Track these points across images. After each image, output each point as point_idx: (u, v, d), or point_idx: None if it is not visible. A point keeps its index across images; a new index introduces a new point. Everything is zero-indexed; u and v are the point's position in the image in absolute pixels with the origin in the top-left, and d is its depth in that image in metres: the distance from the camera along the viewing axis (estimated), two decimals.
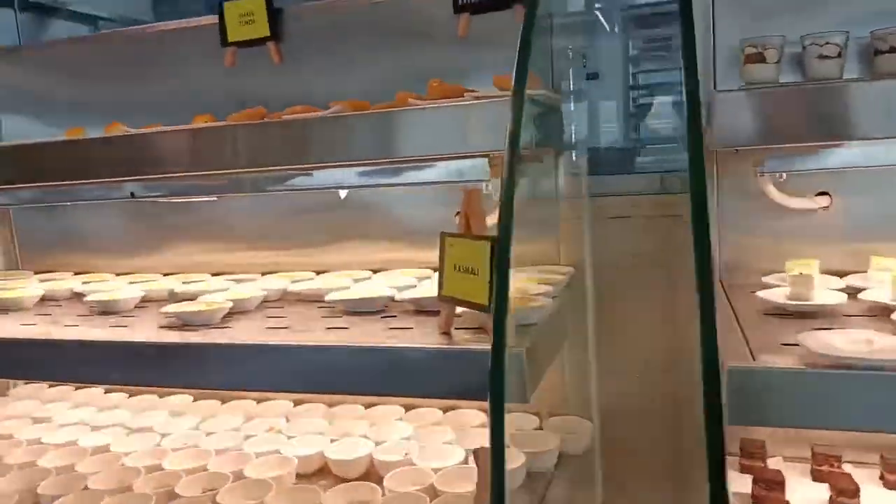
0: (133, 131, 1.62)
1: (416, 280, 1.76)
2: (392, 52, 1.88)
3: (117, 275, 2.20)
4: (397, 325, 1.42)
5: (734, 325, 1.32)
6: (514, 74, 1.10)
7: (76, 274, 2.28)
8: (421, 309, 1.52)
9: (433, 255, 1.92)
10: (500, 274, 1.06)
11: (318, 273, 1.99)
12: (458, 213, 1.83)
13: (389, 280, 1.79)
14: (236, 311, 1.61)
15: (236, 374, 1.30)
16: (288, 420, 2.02)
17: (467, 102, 1.25)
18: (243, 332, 1.44)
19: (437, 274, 1.85)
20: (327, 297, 1.60)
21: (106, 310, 1.77)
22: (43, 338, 1.51)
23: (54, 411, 2.22)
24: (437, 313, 1.47)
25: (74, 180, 1.63)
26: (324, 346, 1.26)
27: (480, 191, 1.23)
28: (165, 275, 2.15)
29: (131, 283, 2.03)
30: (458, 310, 1.30)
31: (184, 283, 1.94)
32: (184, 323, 1.53)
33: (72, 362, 1.46)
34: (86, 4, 3.33)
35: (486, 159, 1.56)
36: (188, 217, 2.15)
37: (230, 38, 1.92)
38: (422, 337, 1.31)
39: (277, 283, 1.85)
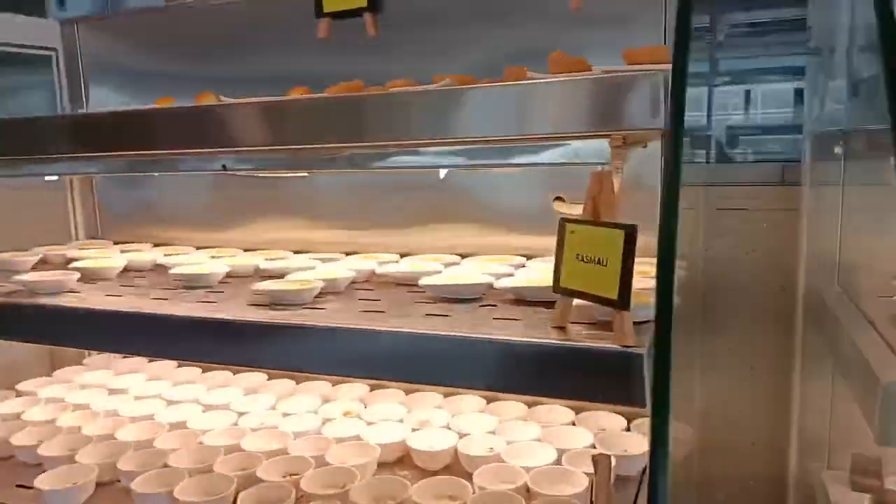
0: (226, 100, 1.56)
1: (511, 267, 1.67)
2: (495, 28, 1.77)
3: (197, 248, 2.18)
4: (500, 315, 1.33)
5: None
6: (675, 41, 0.99)
7: (155, 246, 2.26)
8: (521, 298, 1.43)
9: (528, 241, 1.86)
10: (665, 270, 0.96)
11: (401, 255, 1.92)
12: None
13: (480, 266, 1.70)
14: (327, 292, 1.54)
15: (340, 360, 1.24)
16: (365, 405, 1.97)
17: (599, 76, 1.14)
18: (338, 315, 1.37)
19: (531, 261, 1.78)
20: (422, 282, 1.52)
21: (191, 284, 1.73)
22: (134, 311, 1.47)
23: (129, 383, 2.22)
24: (538, 304, 1.38)
25: (163, 150, 1.59)
26: (435, 335, 1.18)
27: (610, 173, 1.12)
28: (245, 250, 2.11)
29: (213, 257, 1.99)
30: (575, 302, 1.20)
31: (267, 259, 1.89)
32: (274, 301, 1.47)
33: (162, 337, 1.42)
34: None
35: (608, 140, 1.47)
36: (272, 192, 2.11)
37: (325, 9, 1.85)
38: (532, 330, 1.22)
39: (364, 263, 1.78)
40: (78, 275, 1.74)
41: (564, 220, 1.17)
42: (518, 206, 1.80)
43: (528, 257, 1.79)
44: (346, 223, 2.05)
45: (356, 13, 1.84)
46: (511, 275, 1.58)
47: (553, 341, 1.11)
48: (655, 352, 0.96)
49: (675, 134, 0.96)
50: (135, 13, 2.16)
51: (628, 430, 1.79)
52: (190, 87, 1.97)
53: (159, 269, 1.95)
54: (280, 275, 1.67)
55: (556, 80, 1.15)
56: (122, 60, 2.25)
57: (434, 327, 1.24)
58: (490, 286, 1.49)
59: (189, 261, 1.93)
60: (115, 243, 2.32)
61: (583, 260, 1.13)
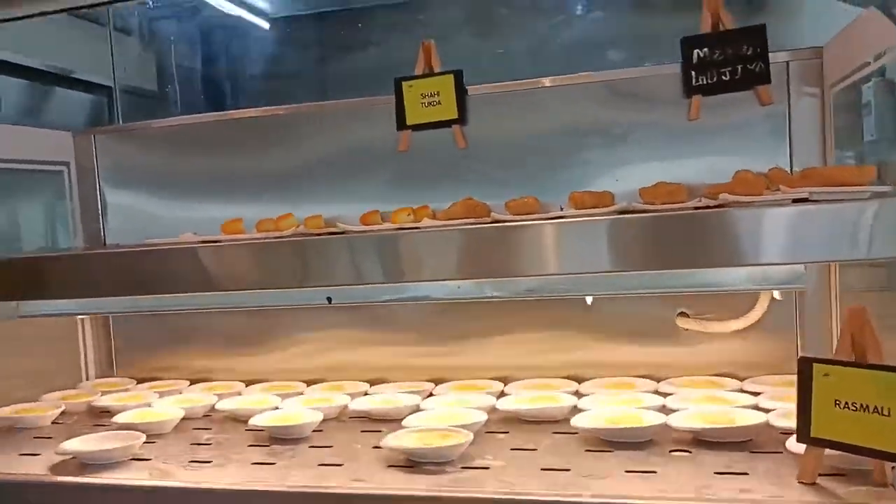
0: (343, 227, 1.36)
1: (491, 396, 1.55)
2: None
3: (246, 384, 1.90)
4: (710, 466, 1.17)
5: None
6: None
7: (191, 382, 1.96)
8: (702, 439, 1.27)
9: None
10: None
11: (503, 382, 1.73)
12: (681, 312, 1.65)
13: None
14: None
15: None
16: None
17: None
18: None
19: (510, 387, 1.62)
20: (574, 422, 1.34)
21: (280, 436, 1.47)
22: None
23: None
24: (718, 446, 1.23)
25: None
26: None
27: (866, 309, 1.01)
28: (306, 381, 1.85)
29: (279, 394, 1.73)
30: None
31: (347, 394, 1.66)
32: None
33: None
34: None
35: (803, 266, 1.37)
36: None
37: (409, 121, 1.71)
38: (771, 487, 1.06)
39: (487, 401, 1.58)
40: (142, 436, 1.44)
41: (810, 360, 1.04)
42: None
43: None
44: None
45: (443, 125, 1.71)
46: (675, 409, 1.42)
47: None
48: None
49: None
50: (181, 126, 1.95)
51: None
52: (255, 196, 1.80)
53: (217, 413, 1.68)
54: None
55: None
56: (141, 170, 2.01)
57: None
58: (666, 425, 1.32)
59: (257, 403, 1.66)
60: (139, 381, 2.01)
61: (847, 407, 1.00)
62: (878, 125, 1.36)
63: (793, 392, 1.41)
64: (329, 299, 1.62)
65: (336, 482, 1.21)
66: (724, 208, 1.10)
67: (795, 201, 1.10)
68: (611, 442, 1.31)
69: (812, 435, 1.03)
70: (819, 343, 1.53)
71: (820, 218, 1.04)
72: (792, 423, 1.23)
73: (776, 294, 1.47)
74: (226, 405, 1.68)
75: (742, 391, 1.49)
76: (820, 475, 1.07)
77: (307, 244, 1.28)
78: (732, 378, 1.57)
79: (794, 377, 1.52)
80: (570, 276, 1.55)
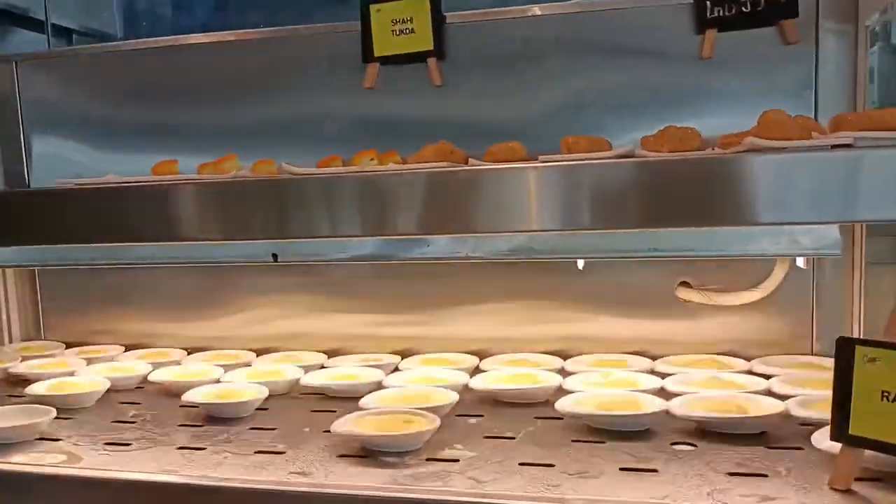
0: (290, 169, 1.14)
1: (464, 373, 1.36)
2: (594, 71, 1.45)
3: (189, 352, 1.68)
4: (721, 464, 0.98)
5: None
6: None
7: (126, 349, 1.74)
8: (709, 430, 1.09)
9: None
10: None
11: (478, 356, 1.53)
12: (682, 282, 1.45)
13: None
14: None
15: None
16: None
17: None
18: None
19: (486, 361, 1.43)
20: (560, 406, 1.15)
21: (217, 414, 1.27)
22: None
23: None
24: (727, 439, 1.05)
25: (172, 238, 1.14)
26: None
27: None
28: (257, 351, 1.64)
29: (222, 365, 1.51)
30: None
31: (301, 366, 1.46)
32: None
33: None
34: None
35: (837, 228, 1.17)
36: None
37: (377, 52, 1.47)
38: (797, 494, 0.88)
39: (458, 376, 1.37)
40: (52, 412, 1.23)
41: (853, 341, 0.85)
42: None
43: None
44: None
45: (416, 58, 1.48)
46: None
47: None
48: None
49: None
50: (105, 51, 1.68)
51: None
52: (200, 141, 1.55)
53: (151, 386, 1.46)
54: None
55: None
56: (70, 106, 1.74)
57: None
58: (667, 412, 1.13)
59: (196, 375, 1.45)
60: (68, 346, 1.78)
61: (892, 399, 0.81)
62: None
63: (809, 375, 1.26)
64: (275, 256, 1.40)
65: (269, 475, 1.01)
66: (751, 153, 0.89)
67: (835, 148, 0.90)
68: (602, 430, 1.12)
69: (851, 432, 0.85)
70: (836, 321, 1.35)
71: (871, 167, 0.84)
72: (814, 414, 1.07)
73: (800, 262, 1.27)
74: (159, 376, 1.46)
75: (751, 373, 1.31)
76: (855, 479, 0.89)
77: (249, 188, 1.06)
78: (738, 357, 1.39)
79: (809, 358, 1.37)
80: (558, 235, 1.36)
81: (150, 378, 1.47)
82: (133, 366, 1.55)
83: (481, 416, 1.23)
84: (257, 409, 1.30)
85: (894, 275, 1.28)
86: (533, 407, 1.25)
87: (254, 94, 1.56)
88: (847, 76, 1.30)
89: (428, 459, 1.04)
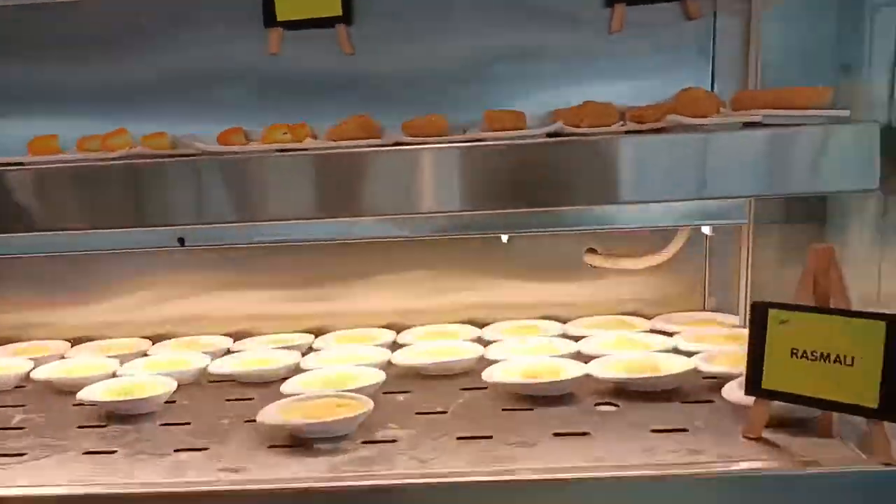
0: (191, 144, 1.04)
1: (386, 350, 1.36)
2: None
3: (72, 343, 1.52)
4: (644, 422, 1.04)
5: None
6: None
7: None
8: (626, 390, 1.15)
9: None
10: None
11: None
12: (589, 249, 1.50)
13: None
14: None
15: None
16: None
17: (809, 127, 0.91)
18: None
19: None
20: (487, 377, 1.17)
21: (122, 412, 1.17)
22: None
23: None
24: (644, 397, 1.12)
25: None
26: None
27: (833, 248, 0.90)
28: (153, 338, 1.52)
29: (115, 356, 1.39)
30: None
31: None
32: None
33: None
34: None
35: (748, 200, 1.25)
36: None
37: (279, 16, 1.37)
38: (717, 445, 0.95)
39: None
40: None
41: (766, 305, 0.93)
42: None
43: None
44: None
45: (324, 24, 1.39)
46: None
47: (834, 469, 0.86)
48: None
49: None
50: None
51: None
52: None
53: (34, 385, 1.32)
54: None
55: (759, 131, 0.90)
56: None
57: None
58: (589, 376, 1.18)
59: (88, 370, 1.32)
60: None
61: (805, 357, 0.90)
62: None
63: (707, 331, 1.37)
64: (181, 241, 1.29)
65: (201, 475, 0.95)
66: (669, 132, 0.94)
67: (746, 126, 0.97)
68: (528, 398, 1.15)
69: (763, 387, 0.93)
70: (726, 280, 1.47)
71: (777, 144, 0.92)
72: (718, 368, 1.16)
73: (706, 230, 1.36)
74: (44, 373, 1.32)
75: (653, 331, 1.40)
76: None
77: (145, 169, 0.97)
78: (639, 316, 1.48)
79: (704, 314, 1.49)
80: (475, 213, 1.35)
81: (32, 376, 1.32)
82: (8, 362, 1.39)
83: (409, 391, 1.23)
84: (165, 402, 1.21)
85: (779, 236, 1.40)
86: (458, 378, 1.27)
87: (142, 52, 1.40)
88: (741, 50, 1.38)
89: (364, 443, 1.02)
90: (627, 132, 0.97)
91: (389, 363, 1.30)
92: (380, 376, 1.19)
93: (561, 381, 1.15)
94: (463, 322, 1.52)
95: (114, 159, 1.04)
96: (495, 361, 1.25)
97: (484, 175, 0.94)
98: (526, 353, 1.29)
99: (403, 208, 0.95)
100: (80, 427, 1.15)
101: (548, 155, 0.92)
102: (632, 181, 0.93)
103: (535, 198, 0.95)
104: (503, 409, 1.13)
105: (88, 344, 1.52)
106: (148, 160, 1.00)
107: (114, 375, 1.30)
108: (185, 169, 0.95)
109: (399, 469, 0.93)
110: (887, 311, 0.84)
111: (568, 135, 1.00)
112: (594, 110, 1.09)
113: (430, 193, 0.94)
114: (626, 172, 0.93)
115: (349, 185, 0.93)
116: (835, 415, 0.94)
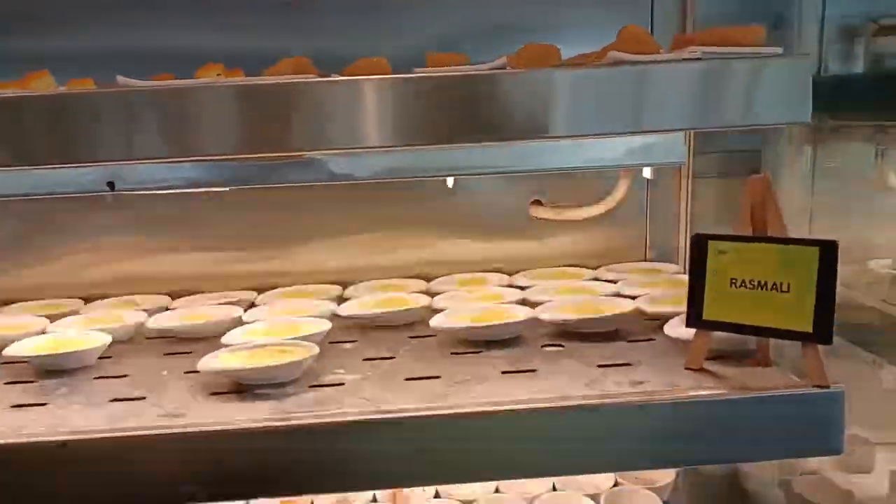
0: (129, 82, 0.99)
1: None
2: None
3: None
4: (591, 358, 1.06)
5: None
6: None
7: None
8: (573, 331, 1.16)
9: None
10: None
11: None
12: (534, 200, 1.51)
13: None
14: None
15: None
16: None
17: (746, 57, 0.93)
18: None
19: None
20: (434, 323, 1.16)
21: (53, 367, 1.11)
22: None
23: None
24: (590, 337, 1.14)
25: None
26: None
27: (768, 177, 0.92)
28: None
29: (45, 315, 1.32)
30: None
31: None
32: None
33: None
34: None
35: (682, 135, 1.27)
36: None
37: None
38: (661, 376, 0.98)
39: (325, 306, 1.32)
40: None
41: (704, 237, 0.95)
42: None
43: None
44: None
45: None
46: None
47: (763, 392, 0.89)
48: None
49: None
50: None
51: None
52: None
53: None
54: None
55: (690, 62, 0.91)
56: None
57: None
58: (537, 319, 1.19)
59: (15, 328, 1.25)
60: None
61: (743, 286, 0.92)
62: None
63: (649, 278, 1.40)
64: (111, 185, 1.23)
65: (140, 422, 0.92)
66: (616, 65, 0.94)
67: (684, 61, 0.98)
68: (476, 342, 1.15)
69: (704, 318, 0.95)
70: (667, 231, 1.50)
71: (713, 77, 0.93)
72: (660, 309, 1.19)
73: (647, 173, 1.39)
74: None
75: (597, 279, 1.42)
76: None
77: (69, 102, 0.91)
78: (584, 268, 1.50)
79: (645, 264, 1.52)
80: (415, 155, 1.34)
81: None
82: None
83: (355, 341, 1.21)
84: (99, 358, 1.16)
85: (716, 187, 1.44)
86: (406, 328, 1.26)
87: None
88: (677, 6, 1.41)
89: (311, 387, 1.01)
90: (562, 65, 0.97)
91: (336, 315, 1.28)
92: (325, 325, 1.17)
93: (508, 323, 1.15)
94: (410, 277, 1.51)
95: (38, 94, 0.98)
96: (443, 310, 1.25)
97: (416, 110, 0.92)
98: (474, 301, 1.29)
99: (337, 142, 0.92)
100: (7, 383, 1.09)
101: (482, 86, 0.91)
102: (567, 115, 0.92)
103: (471, 133, 0.93)
104: (452, 353, 1.12)
105: (14, 305, 1.44)
106: (74, 91, 0.94)
107: (42, 333, 1.24)
108: (113, 101, 0.90)
109: (346, 409, 0.92)
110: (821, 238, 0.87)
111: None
112: (534, 51, 1.09)
113: (364, 127, 0.91)
114: (562, 106, 0.92)
115: (283, 118, 0.90)
116: (771, 343, 0.98)
